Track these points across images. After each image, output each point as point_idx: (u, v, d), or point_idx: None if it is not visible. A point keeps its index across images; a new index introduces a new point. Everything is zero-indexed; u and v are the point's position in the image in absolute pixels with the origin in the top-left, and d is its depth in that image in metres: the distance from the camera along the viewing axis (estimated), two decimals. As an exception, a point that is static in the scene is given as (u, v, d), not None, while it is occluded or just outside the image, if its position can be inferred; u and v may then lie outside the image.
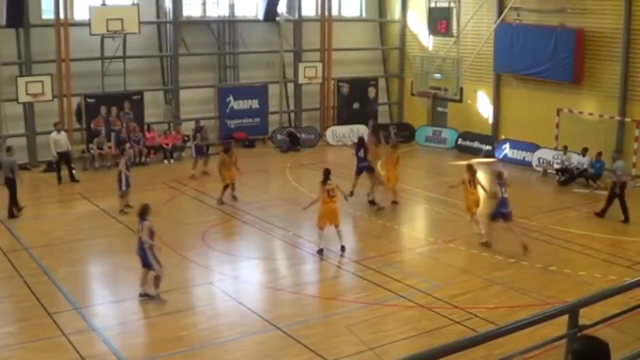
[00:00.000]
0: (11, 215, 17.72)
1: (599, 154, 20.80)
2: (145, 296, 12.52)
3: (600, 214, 17.90)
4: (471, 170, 16.31)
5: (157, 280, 12.52)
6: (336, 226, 15.26)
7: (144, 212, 12.40)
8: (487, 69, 25.76)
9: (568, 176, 21.54)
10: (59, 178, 21.18)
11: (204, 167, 22.43)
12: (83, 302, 12.61)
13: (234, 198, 19.32)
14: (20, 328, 11.58)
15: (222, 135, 26.19)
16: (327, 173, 15.36)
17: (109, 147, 23.53)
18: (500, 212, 15.16)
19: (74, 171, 21.69)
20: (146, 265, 12.44)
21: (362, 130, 27.25)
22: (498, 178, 15.55)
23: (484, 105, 26.67)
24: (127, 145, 20.97)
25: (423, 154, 26.74)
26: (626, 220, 17.39)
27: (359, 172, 19.14)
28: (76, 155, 22.77)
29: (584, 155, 21.28)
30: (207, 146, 23.44)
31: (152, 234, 12.41)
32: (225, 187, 19.19)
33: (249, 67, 27.64)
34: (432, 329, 11.41)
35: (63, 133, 22.02)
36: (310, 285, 14.08)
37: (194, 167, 22.35)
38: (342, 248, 15.21)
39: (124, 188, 18.06)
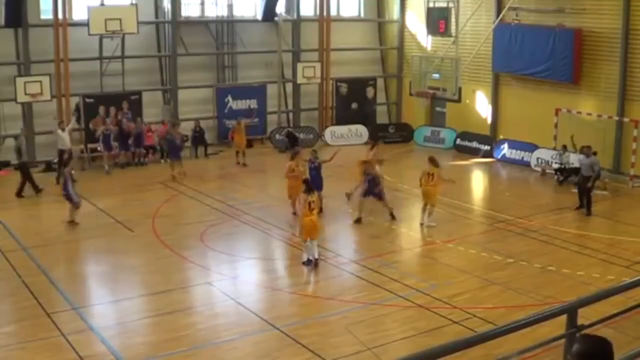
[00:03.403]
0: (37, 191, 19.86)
1: (594, 153, 20.74)
2: None
3: (587, 211, 18.26)
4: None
5: None
6: (312, 239, 14.70)
7: None
8: (486, 69, 25.76)
9: (567, 176, 21.54)
10: (58, 177, 21.12)
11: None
12: (81, 302, 12.61)
13: (244, 164, 23.47)
14: (18, 328, 11.57)
15: (220, 135, 26.34)
16: (307, 182, 15.20)
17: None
18: (371, 191, 17.55)
19: (72, 171, 21.60)
20: None
21: (360, 130, 27.31)
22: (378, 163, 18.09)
23: (482, 105, 26.67)
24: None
25: (421, 154, 26.58)
26: (585, 208, 18.39)
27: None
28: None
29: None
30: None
31: None
32: (236, 153, 23.68)
33: (248, 67, 27.61)
34: (431, 329, 11.41)
35: (66, 132, 22.01)
36: (309, 285, 14.08)
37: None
38: (315, 262, 14.47)
39: (76, 200, 17.18)
